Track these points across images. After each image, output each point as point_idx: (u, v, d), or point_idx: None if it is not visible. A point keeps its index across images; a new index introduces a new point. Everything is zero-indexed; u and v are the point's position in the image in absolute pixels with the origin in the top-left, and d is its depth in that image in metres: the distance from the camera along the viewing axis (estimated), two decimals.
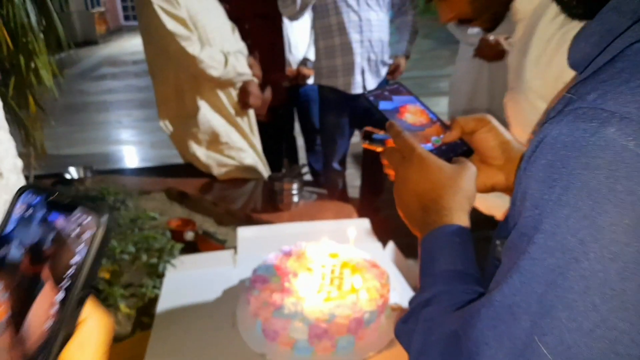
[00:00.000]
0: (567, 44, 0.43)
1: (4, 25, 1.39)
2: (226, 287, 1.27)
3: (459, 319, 0.43)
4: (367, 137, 0.67)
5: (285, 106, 2.86)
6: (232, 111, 2.11)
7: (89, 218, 0.32)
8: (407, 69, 2.70)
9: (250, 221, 1.67)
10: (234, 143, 2.11)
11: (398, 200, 0.60)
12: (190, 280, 1.29)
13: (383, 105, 0.66)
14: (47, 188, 0.36)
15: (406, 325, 0.51)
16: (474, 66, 2.43)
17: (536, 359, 0.34)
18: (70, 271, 0.32)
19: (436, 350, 0.45)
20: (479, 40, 2.28)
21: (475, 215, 0.57)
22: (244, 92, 2.09)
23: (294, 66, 2.87)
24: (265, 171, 2.22)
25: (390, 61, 2.56)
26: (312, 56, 2.86)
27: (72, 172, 2.02)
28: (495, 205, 0.83)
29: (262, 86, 2.19)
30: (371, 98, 0.67)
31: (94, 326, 0.34)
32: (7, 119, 1.54)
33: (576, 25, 0.43)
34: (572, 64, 0.43)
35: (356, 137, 2.82)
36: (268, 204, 1.79)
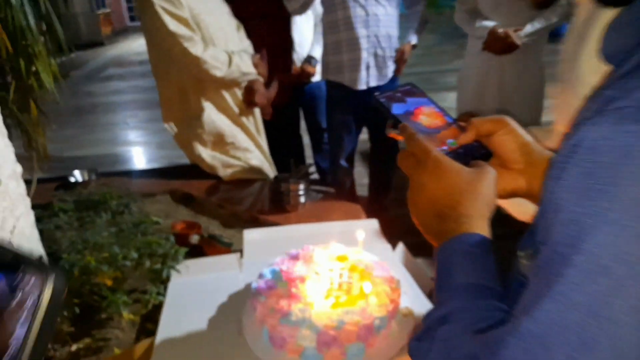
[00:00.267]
0: None
1: (2, 28, 1.37)
2: (232, 292, 1.24)
3: (480, 344, 0.39)
4: (394, 125, 0.63)
5: (290, 105, 2.83)
6: (237, 111, 2.08)
7: (33, 280, 0.26)
8: (413, 65, 2.66)
9: (256, 223, 1.64)
10: (239, 143, 2.08)
11: (413, 207, 0.56)
12: (195, 285, 1.26)
13: (396, 108, 0.63)
14: None
15: (421, 343, 0.47)
16: (482, 60, 2.37)
17: None
18: (11, 351, 0.26)
19: None
20: (488, 33, 2.22)
21: (495, 222, 0.53)
22: (249, 90, 2.06)
23: (298, 64, 2.83)
24: (271, 171, 2.18)
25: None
26: (316, 54, 2.83)
27: (77, 175, 2.01)
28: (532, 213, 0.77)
29: (268, 85, 2.16)
30: (382, 100, 0.63)
31: None
32: (8, 124, 1.53)
33: None
34: (606, 57, 0.38)
35: (364, 135, 2.78)
36: (274, 205, 1.76)
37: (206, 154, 2.04)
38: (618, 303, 0.28)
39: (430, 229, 0.54)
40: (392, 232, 1.52)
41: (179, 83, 1.99)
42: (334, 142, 2.73)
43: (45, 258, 1.19)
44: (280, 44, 2.64)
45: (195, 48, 1.86)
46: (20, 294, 0.25)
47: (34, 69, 1.51)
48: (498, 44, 2.19)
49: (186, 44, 1.84)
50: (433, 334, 0.46)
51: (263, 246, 1.42)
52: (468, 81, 2.51)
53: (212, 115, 2.01)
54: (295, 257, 1.20)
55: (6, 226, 1.01)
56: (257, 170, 2.11)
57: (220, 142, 2.05)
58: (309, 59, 2.85)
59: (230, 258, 1.36)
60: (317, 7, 2.57)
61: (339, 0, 2.32)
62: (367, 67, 2.42)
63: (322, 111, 2.95)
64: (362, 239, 1.23)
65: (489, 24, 2.25)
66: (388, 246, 1.43)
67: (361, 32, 2.34)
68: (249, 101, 2.07)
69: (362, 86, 2.45)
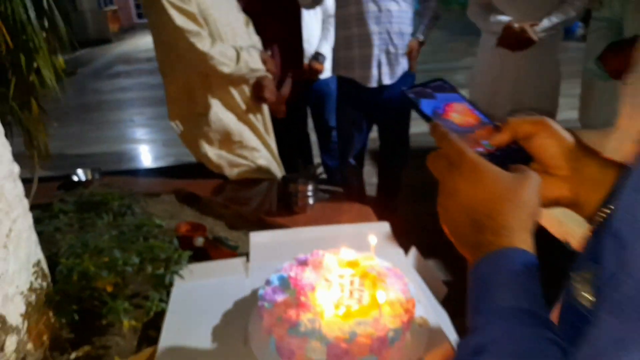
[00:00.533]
0: None
1: (2, 22, 1.32)
2: (238, 298, 1.19)
3: None
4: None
5: (298, 103, 2.77)
6: (245, 109, 2.02)
7: None
8: (421, 62, 2.59)
9: (263, 225, 1.58)
10: (247, 142, 2.03)
11: (444, 214, 0.50)
12: (199, 291, 1.21)
13: (425, 104, 0.56)
14: None
15: None
16: (496, 57, 2.29)
17: None
18: None
19: None
20: (503, 28, 2.14)
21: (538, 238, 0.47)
22: (258, 87, 2.00)
23: (306, 61, 2.78)
24: (279, 171, 2.13)
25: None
26: (323, 50, 2.77)
27: (80, 174, 1.96)
28: (573, 232, 0.70)
29: (280, 83, 2.10)
30: (411, 95, 0.57)
31: None
32: (9, 121, 1.48)
33: None
34: None
35: (373, 133, 2.72)
36: (282, 206, 1.70)
37: (212, 152, 1.99)
38: None
39: (463, 240, 0.48)
40: (402, 233, 1.47)
41: (185, 80, 1.94)
42: (343, 139, 2.67)
43: (44, 261, 1.15)
44: (290, 40, 2.59)
45: (203, 43, 1.80)
46: None
47: (35, 65, 1.46)
48: (513, 40, 2.11)
49: (193, 39, 1.79)
50: None
51: (270, 249, 1.36)
52: (481, 79, 2.43)
53: (219, 113, 1.96)
54: (304, 263, 1.14)
55: (1, 229, 0.97)
56: (264, 170, 2.06)
57: (227, 140, 2.00)
58: (317, 56, 2.79)
59: (236, 262, 1.31)
60: (325, 2, 2.52)
61: None
62: (379, 65, 2.36)
63: (330, 109, 2.90)
64: (374, 244, 1.17)
65: (504, 18, 2.17)
66: (400, 251, 1.37)
67: (373, 28, 2.28)
68: (258, 97, 2.01)
69: (373, 84, 2.39)
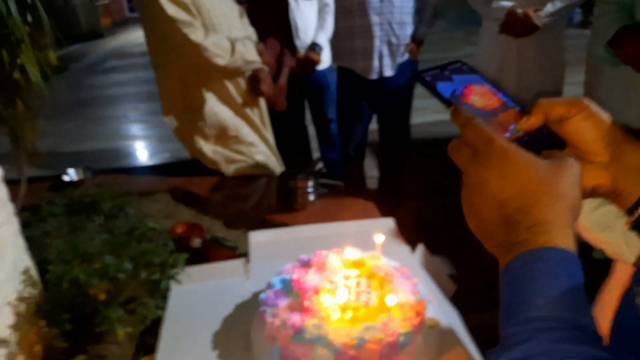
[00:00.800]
0: None
1: None
2: (238, 302, 1.14)
3: None
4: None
5: (295, 95, 2.70)
6: (241, 102, 1.96)
7: None
8: (420, 51, 2.53)
9: (262, 223, 1.53)
10: (243, 137, 1.96)
11: (469, 209, 0.44)
12: (198, 295, 1.16)
13: (442, 87, 0.50)
14: None
15: None
16: (499, 44, 2.23)
17: None
18: None
19: None
20: (505, 14, 2.08)
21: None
22: (254, 79, 1.94)
23: (302, 52, 2.70)
24: (278, 166, 2.07)
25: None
26: (320, 40, 2.70)
27: (71, 174, 1.90)
28: (607, 241, 0.63)
29: (276, 75, 2.04)
30: (427, 78, 0.51)
31: None
32: None
33: None
34: None
35: (373, 125, 2.66)
36: (281, 203, 1.64)
37: (208, 148, 1.92)
38: None
39: (493, 239, 0.42)
40: (406, 228, 1.41)
41: (178, 73, 1.87)
42: (343, 129, 2.62)
43: (33, 268, 1.09)
44: (281, 29, 2.51)
45: (196, 34, 1.74)
46: None
47: (19, 62, 1.39)
48: (517, 26, 2.05)
49: (186, 30, 1.72)
50: None
51: (271, 249, 1.31)
52: (483, 67, 2.37)
53: (214, 107, 1.89)
54: (306, 265, 1.09)
55: None
56: (262, 166, 2.00)
57: (223, 135, 1.93)
58: (314, 46, 2.71)
59: (236, 264, 1.25)
60: None
61: None
62: (380, 56, 2.31)
63: (328, 101, 2.83)
64: (380, 242, 1.12)
65: (507, 4, 2.10)
66: (406, 248, 1.31)
67: (374, 19, 2.23)
68: (254, 90, 1.95)
69: (374, 76, 2.34)
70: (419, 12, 2.45)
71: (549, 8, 2.05)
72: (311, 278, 1.02)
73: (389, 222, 1.41)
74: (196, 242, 1.32)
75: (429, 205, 2.99)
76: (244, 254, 1.32)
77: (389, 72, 2.35)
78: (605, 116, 0.45)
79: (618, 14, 1.54)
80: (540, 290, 0.37)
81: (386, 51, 2.31)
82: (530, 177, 0.40)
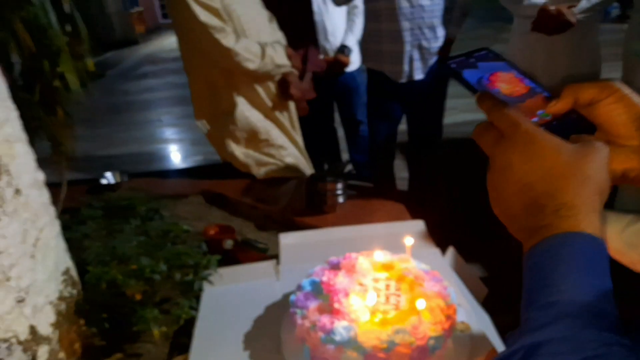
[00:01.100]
0: None
1: (24, 27, 1.31)
2: (269, 303, 1.15)
3: None
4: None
5: (324, 97, 2.71)
6: (271, 106, 1.98)
7: None
8: (450, 51, 2.49)
9: (292, 225, 1.54)
10: (274, 140, 1.99)
11: (494, 194, 0.43)
12: (230, 296, 1.18)
13: (468, 75, 0.51)
14: None
15: None
16: (531, 42, 2.17)
17: None
18: None
19: None
20: (538, 11, 2.02)
21: None
22: (283, 83, 1.96)
23: (331, 54, 2.71)
24: (308, 168, 2.08)
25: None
26: (349, 43, 2.70)
27: (109, 177, 1.96)
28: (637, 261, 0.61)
29: (301, 78, 2.05)
30: (453, 66, 0.52)
31: None
32: (36, 126, 1.48)
33: None
34: None
35: (403, 125, 2.64)
36: (311, 205, 1.65)
37: (239, 151, 1.95)
38: None
39: (518, 223, 0.42)
40: (437, 231, 1.40)
41: (210, 77, 1.91)
42: (373, 130, 2.61)
43: (73, 269, 1.13)
44: (305, 30, 2.52)
45: (227, 39, 1.77)
46: None
47: (59, 70, 1.45)
48: (550, 23, 1.99)
49: (217, 35, 1.76)
50: None
51: (300, 251, 1.32)
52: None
53: (244, 111, 1.92)
54: (336, 267, 1.10)
55: (28, 239, 0.95)
56: (292, 169, 2.02)
57: (253, 139, 1.96)
58: (342, 49, 2.72)
59: (267, 265, 1.27)
60: None
61: None
62: (411, 60, 2.29)
63: (357, 103, 2.83)
64: (410, 245, 1.11)
65: (539, 1, 2.05)
66: (437, 251, 1.30)
67: (404, 24, 2.21)
68: (284, 93, 1.97)
69: (404, 79, 2.32)
70: (448, 11, 2.42)
71: (584, 4, 1.98)
72: (340, 280, 1.03)
73: (419, 224, 1.40)
74: (228, 243, 1.34)
75: (460, 207, 2.94)
76: (275, 256, 1.34)
77: (419, 75, 2.32)
78: (637, 99, 0.44)
79: None
80: (563, 276, 0.36)
81: (417, 55, 2.29)
82: (556, 161, 0.40)
